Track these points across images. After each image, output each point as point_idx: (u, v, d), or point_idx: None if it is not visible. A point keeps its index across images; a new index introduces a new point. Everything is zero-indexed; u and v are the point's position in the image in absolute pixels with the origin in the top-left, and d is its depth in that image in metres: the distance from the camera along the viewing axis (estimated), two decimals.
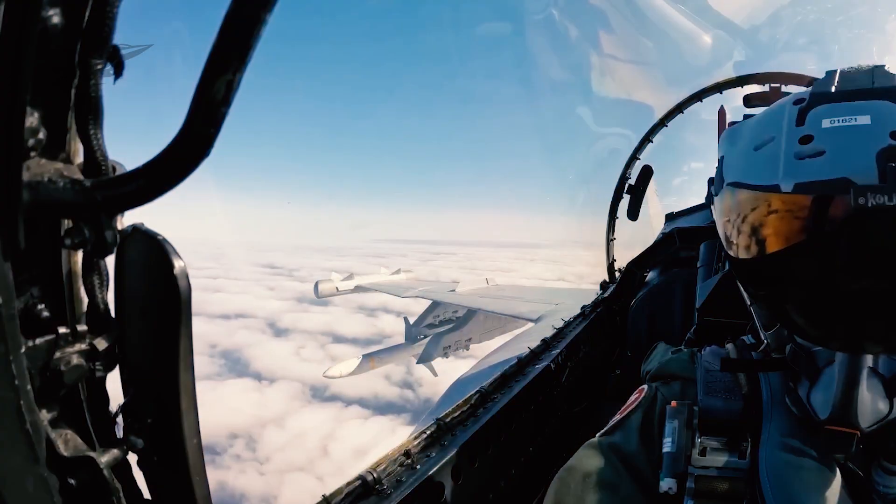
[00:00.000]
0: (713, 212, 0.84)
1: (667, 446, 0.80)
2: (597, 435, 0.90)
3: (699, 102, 2.88)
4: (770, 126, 0.71)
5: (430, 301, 17.57)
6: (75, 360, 0.34)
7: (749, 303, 0.84)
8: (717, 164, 0.82)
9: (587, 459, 0.84)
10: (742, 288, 0.83)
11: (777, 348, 0.80)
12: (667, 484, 0.77)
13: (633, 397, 0.92)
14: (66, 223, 0.34)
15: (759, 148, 0.70)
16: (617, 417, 0.90)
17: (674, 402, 0.84)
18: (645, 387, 0.92)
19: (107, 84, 0.34)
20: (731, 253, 0.75)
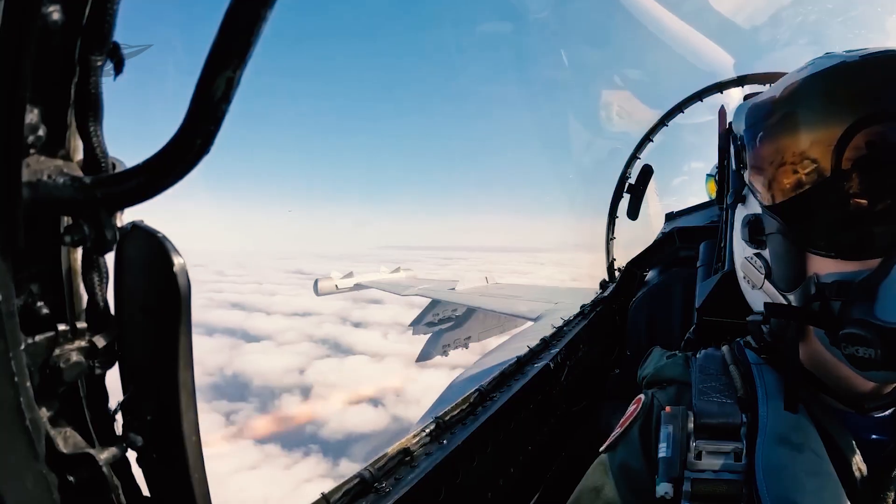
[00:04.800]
0: (747, 169, 0.86)
1: (662, 451, 0.79)
2: (600, 450, 0.90)
3: (699, 102, 2.88)
4: None
5: (430, 299, 17.57)
6: (75, 357, 0.34)
7: (770, 272, 0.81)
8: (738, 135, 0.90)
9: (596, 484, 0.85)
10: (786, 239, 0.78)
11: (777, 330, 0.81)
12: (663, 489, 0.77)
13: (631, 408, 0.92)
14: (66, 220, 0.34)
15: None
16: (618, 431, 0.90)
17: (668, 407, 0.84)
18: (642, 395, 0.92)
19: (107, 82, 0.34)
20: (784, 195, 0.76)
